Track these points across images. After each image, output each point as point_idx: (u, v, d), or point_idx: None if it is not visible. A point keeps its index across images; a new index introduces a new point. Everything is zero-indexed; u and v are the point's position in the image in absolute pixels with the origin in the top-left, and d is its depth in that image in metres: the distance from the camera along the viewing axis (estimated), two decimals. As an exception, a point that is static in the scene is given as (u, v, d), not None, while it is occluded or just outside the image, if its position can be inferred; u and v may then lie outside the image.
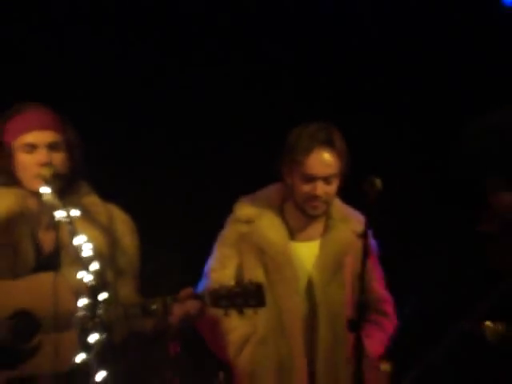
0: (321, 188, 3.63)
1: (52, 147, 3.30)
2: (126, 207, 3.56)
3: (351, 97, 5.25)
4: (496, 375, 3.27)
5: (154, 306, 3.24)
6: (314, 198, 3.65)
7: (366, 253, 3.08)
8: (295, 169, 3.67)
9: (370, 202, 3.14)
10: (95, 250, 3.07)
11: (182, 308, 3.27)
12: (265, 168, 3.83)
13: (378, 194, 3.13)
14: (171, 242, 5.07)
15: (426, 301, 3.45)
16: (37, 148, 3.30)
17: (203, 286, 3.72)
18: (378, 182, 3.12)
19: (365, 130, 3.77)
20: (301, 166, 3.63)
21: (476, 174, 3.20)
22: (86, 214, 3.31)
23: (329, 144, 3.62)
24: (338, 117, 3.78)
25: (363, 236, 3.08)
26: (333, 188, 3.67)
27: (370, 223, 3.14)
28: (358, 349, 2.98)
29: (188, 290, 3.30)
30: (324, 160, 3.62)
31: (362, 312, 3.02)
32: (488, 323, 3.23)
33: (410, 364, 3.24)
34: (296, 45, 5.27)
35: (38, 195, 3.26)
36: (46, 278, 3.18)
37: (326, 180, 3.64)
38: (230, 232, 3.81)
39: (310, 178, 3.63)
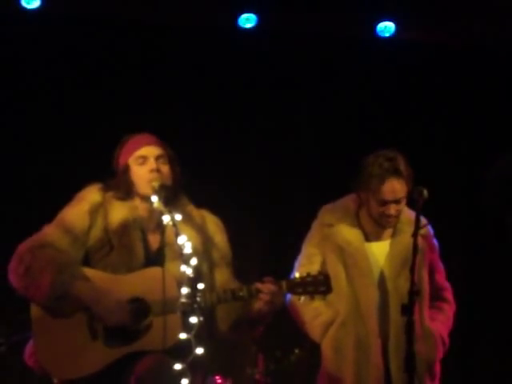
0: (393, 208, 4.06)
1: (158, 158, 3.75)
2: (221, 212, 3.96)
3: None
4: None
5: (241, 293, 3.62)
6: (387, 216, 4.08)
7: (415, 249, 3.51)
8: (371, 194, 4.06)
9: (418, 208, 3.58)
10: (193, 247, 3.47)
11: (266, 293, 3.61)
12: (341, 182, 4.27)
13: (424, 202, 3.57)
14: (264, 242, 5.73)
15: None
16: (147, 159, 3.75)
17: None
18: (425, 192, 3.56)
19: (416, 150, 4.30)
20: (375, 193, 4.04)
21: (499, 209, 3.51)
22: (185, 219, 3.69)
23: (397, 174, 4.02)
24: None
25: (413, 235, 3.50)
26: (402, 205, 4.10)
27: (417, 225, 3.55)
28: (409, 328, 3.37)
29: (269, 278, 3.65)
30: (395, 188, 4.02)
31: (413, 298, 3.42)
32: None
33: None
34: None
35: (149, 202, 3.68)
36: (154, 271, 3.58)
37: (397, 202, 4.06)
38: (315, 234, 4.24)
39: (384, 203, 4.05)
